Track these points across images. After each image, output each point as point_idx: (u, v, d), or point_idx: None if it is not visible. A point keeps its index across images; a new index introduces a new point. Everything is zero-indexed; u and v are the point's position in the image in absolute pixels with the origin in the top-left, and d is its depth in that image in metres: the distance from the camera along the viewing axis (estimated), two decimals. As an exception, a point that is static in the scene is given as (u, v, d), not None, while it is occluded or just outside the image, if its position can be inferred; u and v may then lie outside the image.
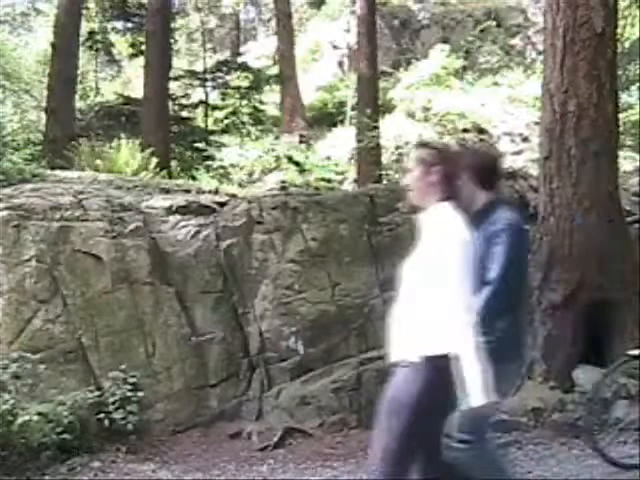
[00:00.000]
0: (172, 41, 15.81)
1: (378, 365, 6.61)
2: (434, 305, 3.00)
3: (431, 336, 2.98)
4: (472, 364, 2.84)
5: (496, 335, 3.13)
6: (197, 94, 16.57)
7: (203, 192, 7.92)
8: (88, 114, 15.94)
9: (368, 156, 12.34)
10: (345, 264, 6.91)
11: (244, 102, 16.57)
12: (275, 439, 6.08)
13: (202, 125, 16.32)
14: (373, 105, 12.61)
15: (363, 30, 12.95)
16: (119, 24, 18.06)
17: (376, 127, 12.32)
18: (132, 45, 17.43)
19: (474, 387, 2.82)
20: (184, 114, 16.17)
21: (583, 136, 6.26)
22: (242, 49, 22.92)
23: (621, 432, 5.34)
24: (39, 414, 5.45)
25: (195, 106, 16.47)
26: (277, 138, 14.47)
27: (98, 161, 9.17)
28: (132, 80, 19.49)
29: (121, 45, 18.99)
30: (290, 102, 15.93)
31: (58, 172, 8.29)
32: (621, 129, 7.33)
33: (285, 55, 16.41)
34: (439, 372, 2.92)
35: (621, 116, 7.62)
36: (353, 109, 14.40)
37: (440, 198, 3.14)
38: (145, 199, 7.25)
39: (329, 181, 12.48)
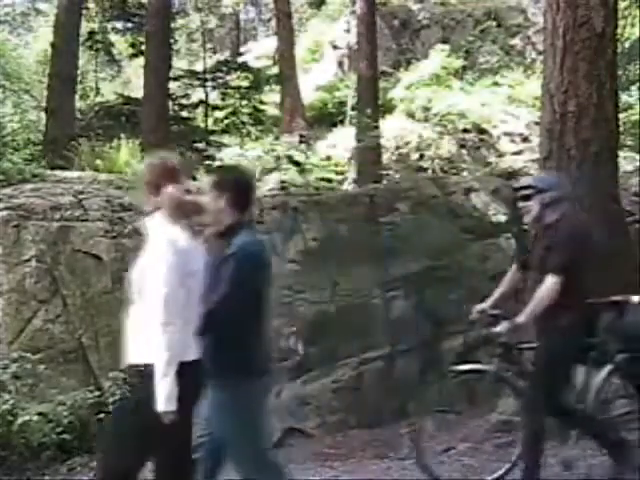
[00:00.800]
0: (172, 41, 15.82)
1: (378, 365, 6.63)
2: (140, 314, 3.09)
3: (138, 345, 3.09)
4: (160, 373, 2.96)
5: (229, 354, 3.20)
6: (197, 94, 16.57)
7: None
8: (88, 114, 15.96)
9: (368, 156, 12.34)
10: (345, 264, 6.91)
11: (244, 102, 16.57)
12: (275, 439, 6.07)
13: (202, 125, 16.32)
14: (373, 105, 12.61)
15: (363, 30, 12.95)
16: (119, 24, 18.09)
17: (376, 127, 12.31)
18: (132, 45, 17.45)
19: (158, 394, 2.95)
20: (184, 114, 16.17)
21: (583, 136, 6.26)
22: (242, 49, 22.90)
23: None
24: (39, 414, 5.46)
25: (195, 106, 16.47)
26: (277, 138, 14.45)
27: (98, 161, 9.18)
28: (132, 80, 19.50)
29: (121, 45, 19.01)
30: (290, 102, 15.91)
31: (58, 172, 8.30)
32: (621, 129, 7.31)
33: (285, 55, 16.39)
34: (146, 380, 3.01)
35: (621, 116, 7.61)
36: (353, 109, 14.39)
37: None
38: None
39: (329, 181, 12.47)
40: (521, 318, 4.17)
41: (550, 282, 4.16)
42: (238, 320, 3.23)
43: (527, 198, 4.37)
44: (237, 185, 3.47)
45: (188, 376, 3.02)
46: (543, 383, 4.26)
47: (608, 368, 4.60)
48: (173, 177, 3.19)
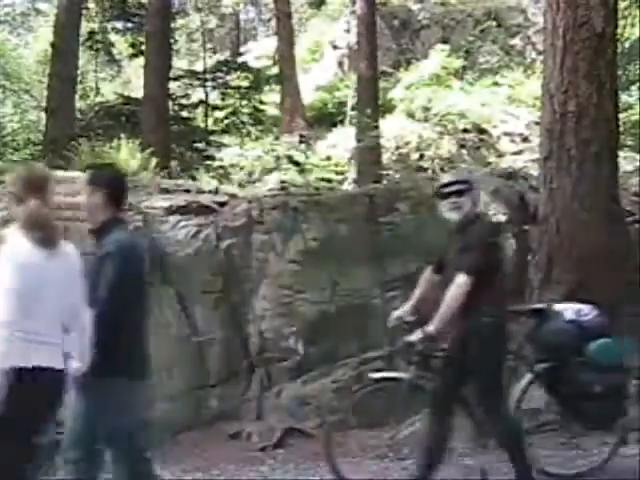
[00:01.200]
0: (172, 41, 15.82)
1: (378, 365, 6.62)
2: None
3: None
4: None
5: (105, 353, 3.22)
6: (197, 94, 16.57)
7: (203, 192, 7.92)
8: (88, 114, 15.97)
9: (368, 156, 12.34)
10: (345, 264, 6.90)
11: (244, 102, 16.57)
12: (275, 439, 6.08)
13: (202, 125, 16.32)
14: (373, 105, 12.61)
15: (363, 30, 12.95)
16: (119, 24, 18.09)
17: (376, 127, 12.31)
18: (132, 45, 17.45)
19: None
20: (184, 114, 16.17)
21: (583, 136, 6.27)
22: (242, 49, 22.90)
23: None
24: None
25: (195, 106, 16.47)
26: (277, 138, 14.45)
27: (98, 161, 9.16)
28: (132, 80, 19.51)
29: (121, 45, 19.02)
30: (290, 102, 15.92)
31: (58, 172, 8.28)
32: (621, 129, 7.32)
33: (285, 55, 16.40)
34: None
35: (621, 116, 7.62)
36: (353, 109, 14.39)
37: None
38: (145, 199, 7.25)
39: (329, 181, 12.47)
40: (431, 326, 4.03)
41: (459, 282, 3.99)
42: (119, 320, 3.27)
43: (460, 194, 4.23)
44: (111, 182, 3.56)
45: (29, 382, 3.03)
46: (479, 386, 4.17)
47: (528, 377, 4.55)
48: (36, 190, 3.23)
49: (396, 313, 4.54)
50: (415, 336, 4.12)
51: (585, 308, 4.57)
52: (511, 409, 4.45)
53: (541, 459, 4.57)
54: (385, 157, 13.04)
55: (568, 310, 4.53)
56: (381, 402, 4.83)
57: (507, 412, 4.28)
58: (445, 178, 4.48)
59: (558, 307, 4.60)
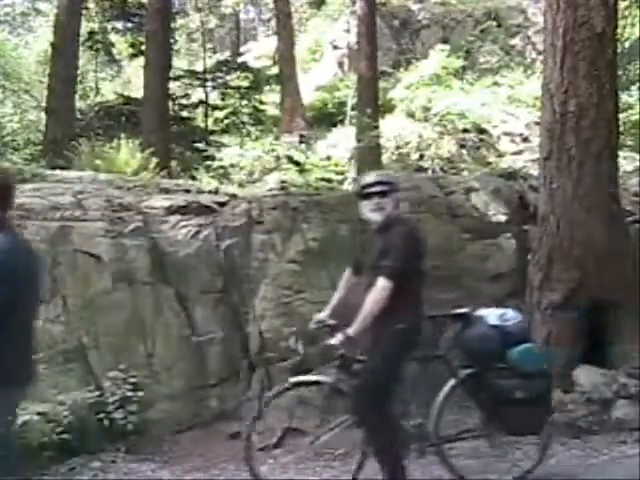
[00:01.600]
0: (172, 41, 15.83)
1: (378, 365, 6.61)
2: None
3: None
4: None
5: None
6: (197, 94, 16.59)
7: (203, 192, 7.92)
8: (88, 114, 15.97)
9: (368, 156, 12.34)
10: (345, 264, 6.88)
11: (244, 102, 16.59)
12: (275, 439, 6.07)
13: (202, 125, 16.33)
14: (373, 105, 12.62)
15: (363, 30, 12.96)
16: (119, 24, 18.11)
17: (376, 127, 12.32)
18: (132, 45, 17.47)
19: None
20: (184, 114, 16.19)
21: (583, 136, 6.27)
22: (242, 49, 22.93)
23: (621, 432, 5.35)
24: (39, 414, 5.45)
25: (195, 106, 16.48)
26: (277, 138, 14.46)
27: (98, 161, 9.16)
28: (132, 80, 19.52)
29: (121, 45, 19.03)
30: (290, 102, 15.94)
31: (58, 172, 8.29)
32: (621, 129, 7.32)
33: (285, 55, 16.42)
34: None
35: (621, 116, 7.62)
36: (353, 109, 14.41)
37: None
38: (145, 199, 7.25)
39: (329, 181, 12.47)
40: (352, 329, 4.00)
41: (380, 286, 3.98)
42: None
43: (383, 194, 4.21)
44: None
45: None
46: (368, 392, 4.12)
47: (451, 383, 4.50)
48: None
49: (317, 316, 4.51)
50: (335, 339, 4.09)
51: (508, 313, 4.52)
52: (434, 415, 4.43)
53: (463, 467, 4.54)
54: (385, 157, 13.04)
55: (491, 315, 4.48)
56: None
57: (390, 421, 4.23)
58: (367, 178, 4.41)
59: (481, 312, 4.55)
